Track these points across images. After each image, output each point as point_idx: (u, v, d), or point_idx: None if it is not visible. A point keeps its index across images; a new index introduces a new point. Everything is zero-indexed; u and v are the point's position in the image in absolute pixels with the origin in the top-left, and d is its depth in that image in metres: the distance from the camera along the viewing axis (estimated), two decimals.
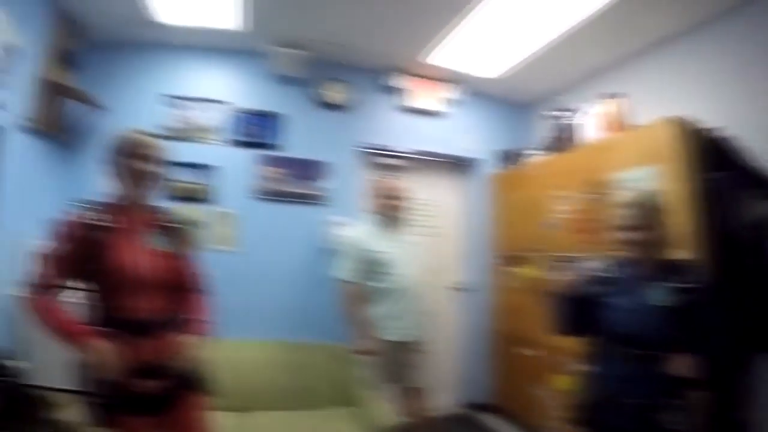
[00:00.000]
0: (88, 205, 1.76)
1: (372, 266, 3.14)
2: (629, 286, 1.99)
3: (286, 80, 3.90)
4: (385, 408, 2.87)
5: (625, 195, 2.58)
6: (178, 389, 1.79)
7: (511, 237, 4.24)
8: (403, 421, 2.81)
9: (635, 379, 1.87)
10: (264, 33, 3.63)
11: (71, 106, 3.41)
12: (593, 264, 2.22)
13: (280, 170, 3.80)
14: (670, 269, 1.93)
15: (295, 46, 3.74)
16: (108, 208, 1.78)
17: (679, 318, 1.82)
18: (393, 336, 3.11)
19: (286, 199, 3.78)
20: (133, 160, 1.76)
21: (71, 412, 2.37)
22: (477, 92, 4.52)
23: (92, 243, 1.67)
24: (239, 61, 3.85)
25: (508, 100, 4.75)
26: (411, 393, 3.28)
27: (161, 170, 1.85)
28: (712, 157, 2.73)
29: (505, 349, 4.22)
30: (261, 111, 3.83)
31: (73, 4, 3.27)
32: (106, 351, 1.58)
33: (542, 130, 4.34)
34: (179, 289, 1.87)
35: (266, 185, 3.75)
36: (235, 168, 3.68)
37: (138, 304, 1.71)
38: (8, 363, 2.38)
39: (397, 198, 3.29)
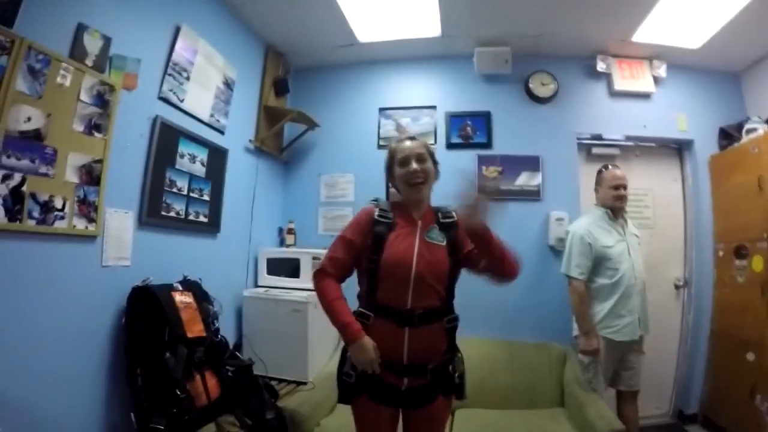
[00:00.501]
0: (377, 204, 1.97)
1: (600, 261, 3.09)
2: None
3: (492, 78, 3.96)
4: (604, 411, 2.80)
5: None
6: (431, 390, 1.87)
7: (735, 225, 3.81)
8: (621, 426, 2.69)
9: None
10: (464, 35, 3.73)
11: (289, 127, 3.98)
12: None
13: (497, 168, 3.88)
14: None
15: (496, 43, 3.78)
16: (393, 207, 1.97)
17: None
18: (617, 335, 3.05)
19: (505, 197, 3.82)
20: (398, 167, 1.95)
21: (293, 399, 2.72)
22: (684, 66, 4.17)
23: (376, 236, 1.86)
24: (444, 66, 4.00)
25: (717, 70, 4.28)
26: (627, 396, 3.23)
27: (430, 166, 1.98)
28: None
29: (724, 352, 3.83)
30: (471, 112, 3.94)
31: (279, 38, 3.75)
32: (368, 348, 1.75)
33: (760, 101, 3.94)
34: (451, 283, 1.93)
35: (484, 184, 3.85)
36: (453, 169, 3.70)
37: (407, 296, 1.80)
38: (237, 354, 2.75)
39: (622, 188, 3.20)
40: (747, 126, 3.83)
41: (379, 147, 3.95)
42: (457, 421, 2.94)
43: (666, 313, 4.19)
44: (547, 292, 3.51)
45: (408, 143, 1.99)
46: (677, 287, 4.25)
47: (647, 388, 3.83)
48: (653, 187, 4.29)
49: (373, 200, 2.01)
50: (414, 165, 1.92)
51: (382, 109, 3.96)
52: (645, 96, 4.14)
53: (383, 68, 4.01)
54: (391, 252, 1.83)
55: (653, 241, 4.15)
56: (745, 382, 3.45)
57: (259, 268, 3.58)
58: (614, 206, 3.19)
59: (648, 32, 3.68)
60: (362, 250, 1.88)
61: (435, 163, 2.03)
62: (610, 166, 3.33)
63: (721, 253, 3.99)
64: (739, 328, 3.65)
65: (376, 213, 1.92)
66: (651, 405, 4.07)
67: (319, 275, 1.90)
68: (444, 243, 1.92)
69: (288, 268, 3.48)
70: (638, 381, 3.23)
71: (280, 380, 3.10)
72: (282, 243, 3.85)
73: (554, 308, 3.32)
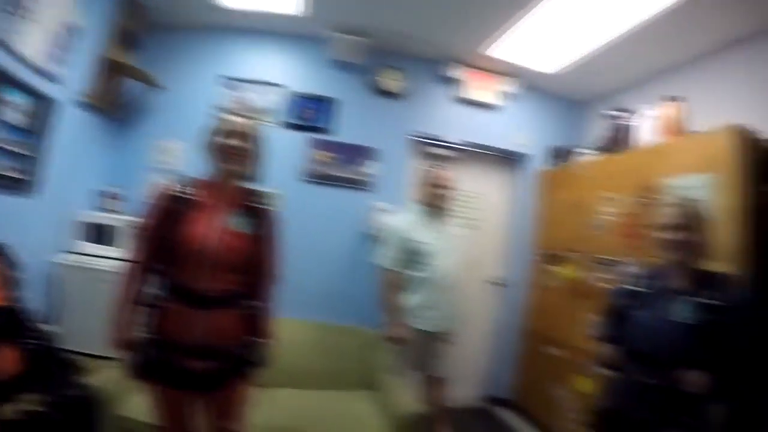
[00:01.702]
0: (177, 179, 1.92)
1: (412, 255, 3.24)
2: (656, 299, 1.99)
3: (343, 66, 4.02)
4: (407, 395, 3.01)
5: (671, 198, 2.62)
6: (226, 372, 1.88)
7: (553, 235, 4.28)
8: (424, 409, 2.94)
9: (648, 394, 1.87)
10: (324, 18, 3.73)
11: (129, 84, 3.71)
12: (633, 270, 2.25)
13: (330, 154, 3.95)
14: (703, 282, 1.90)
15: (354, 32, 3.83)
16: (196, 183, 1.91)
17: (700, 336, 1.79)
18: (425, 326, 3.24)
19: (333, 183, 3.94)
20: (226, 138, 1.88)
21: (100, 377, 2.56)
22: (534, 87, 4.55)
23: (174, 213, 1.81)
24: (298, 46, 4.01)
25: (564, 97, 4.75)
26: (434, 382, 3.43)
27: (252, 149, 1.94)
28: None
29: (532, 346, 4.31)
30: (316, 95, 3.98)
31: None
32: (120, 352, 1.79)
33: (597, 130, 4.32)
34: (250, 272, 1.93)
35: (315, 168, 3.92)
36: (286, 150, 3.83)
37: (201, 278, 1.78)
38: (42, 326, 2.48)
39: (443, 188, 3.36)
40: (579, 150, 4.25)
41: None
42: (266, 401, 2.87)
43: (480, 307, 4.59)
44: (362, 278, 3.66)
45: (240, 119, 2.00)
46: (493, 285, 4.65)
47: (461, 374, 4.23)
48: (482, 192, 4.64)
49: (178, 176, 1.96)
50: (237, 141, 1.88)
51: (227, 79, 3.89)
52: (490, 107, 4.44)
53: (239, 38, 3.96)
54: (188, 233, 1.79)
55: (476, 241, 4.48)
56: (549, 372, 3.95)
57: (75, 233, 3.30)
58: (433, 204, 3.36)
59: (505, 49, 3.92)
60: (163, 231, 1.82)
61: (259, 149, 2.00)
62: (436, 166, 3.52)
63: (537, 258, 4.45)
64: (547, 326, 4.12)
65: (175, 188, 1.87)
66: (464, 389, 4.44)
67: (125, 268, 1.87)
68: (247, 230, 1.91)
69: (105, 235, 3.29)
70: (445, 368, 3.47)
71: (91, 355, 2.87)
72: (103, 208, 3.56)
73: (368, 294, 3.45)
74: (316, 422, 2.82)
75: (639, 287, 2.09)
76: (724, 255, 2.48)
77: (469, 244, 4.34)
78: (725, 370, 1.76)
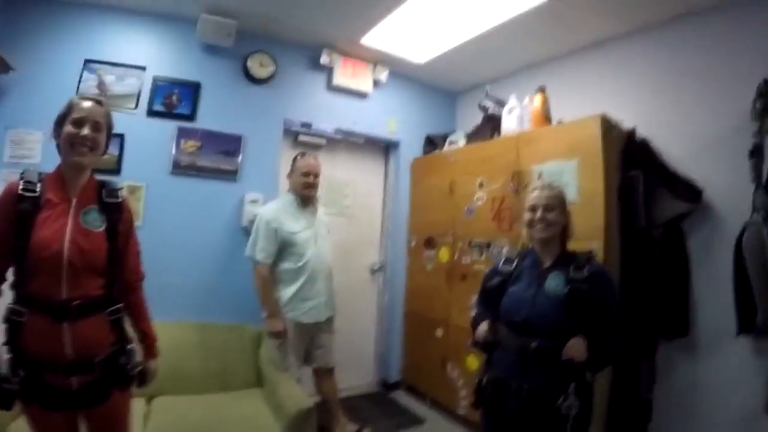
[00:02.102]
0: (22, 175, 1.70)
1: (284, 246, 3.23)
2: (528, 275, 2.13)
3: (210, 49, 3.81)
4: (294, 391, 2.97)
5: (539, 182, 2.81)
6: (104, 384, 1.74)
7: (428, 220, 4.43)
8: (314, 401, 2.93)
9: (529, 364, 1.96)
10: None
11: None
12: (504, 251, 2.44)
13: (197, 143, 3.72)
14: (568, 259, 2.07)
15: (223, 13, 3.63)
16: (44, 179, 1.72)
17: (570, 306, 1.94)
18: (304, 318, 3.25)
19: (200, 174, 3.72)
20: (70, 125, 1.70)
21: None
22: (405, 76, 4.70)
23: (20, 216, 1.62)
24: (163, 26, 3.71)
25: (436, 86, 4.97)
26: (322, 373, 3.47)
27: (102, 138, 1.78)
28: (629, 156, 3.07)
29: (416, 329, 4.47)
30: (181, 80, 3.72)
31: None
32: None
33: (467, 119, 4.63)
34: (111, 272, 1.80)
35: (180, 158, 3.67)
36: (149, 139, 3.57)
37: (60, 286, 1.63)
38: None
39: (314, 176, 3.36)
40: (450, 137, 4.47)
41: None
42: (153, 411, 2.82)
43: (363, 294, 4.71)
44: (240, 273, 3.54)
45: (89, 104, 1.75)
46: (373, 271, 4.78)
47: (352, 362, 4.33)
48: (356, 179, 4.73)
49: (22, 172, 1.71)
50: (86, 130, 1.70)
51: (87, 61, 3.49)
52: (362, 95, 4.50)
53: (101, 15, 3.54)
54: (39, 237, 1.61)
55: (351, 229, 4.58)
56: (436, 354, 4.10)
57: None
58: (303, 194, 3.35)
59: (377, 38, 3.97)
60: (10, 236, 1.62)
61: (109, 137, 1.84)
62: (305, 155, 3.47)
63: (413, 243, 4.63)
64: (428, 309, 4.29)
65: (20, 187, 1.65)
66: (357, 377, 4.54)
67: None
68: (102, 228, 1.76)
69: None
70: (331, 358, 3.49)
71: None
72: None
73: (248, 289, 3.36)
74: (208, 429, 2.71)
75: (510, 267, 2.22)
76: (588, 233, 2.72)
77: (347, 232, 4.46)
78: (597, 337, 1.92)
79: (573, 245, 2.18)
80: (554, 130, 3.35)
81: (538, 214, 2.09)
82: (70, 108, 1.74)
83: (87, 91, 3.40)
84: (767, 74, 2.60)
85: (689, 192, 2.95)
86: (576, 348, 1.88)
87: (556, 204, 2.10)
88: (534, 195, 2.16)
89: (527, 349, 1.96)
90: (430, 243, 4.37)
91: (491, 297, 2.21)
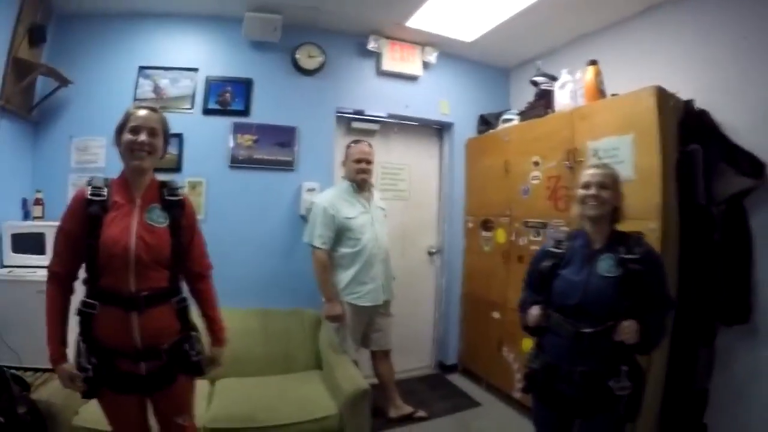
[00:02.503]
0: (90, 181, 1.87)
1: (342, 232, 3.33)
2: (579, 257, 2.12)
3: (258, 45, 3.94)
4: (351, 372, 3.06)
5: (593, 160, 2.82)
6: (170, 369, 1.89)
7: (484, 201, 4.40)
8: (371, 382, 3.02)
9: (582, 347, 1.96)
10: None
11: (41, 82, 3.52)
12: (557, 232, 2.38)
13: (252, 137, 3.88)
14: (619, 240, 2.05)
15: (268, 9, 3.74)
16: (110, 183, 1.89)
17: (624, 288, 1.94)
18: (361, 301, 3.35)
19: (258, 166, 3.89)
20: (128, 133, 1.86)
21: (48, 390, 2.53)
22: (455, 56, 4.66)
23: (90, 218, 1.78)
24: (211, 27, 3.89)
25: (487, 64, 4.89)
26: (379, 356, 3.58)
27: (159, 142, 1.92)
28: (687, 130, 2.89)
29: (473, 311, 4.49)
30: (233, 78, 3.89)
31: None
32: (62, 376, 1.79)
33: (520, 96, 4.53)
34: (176, 265, 1.94)
35: (238, 152, 3.86)
36: (206, 136, 3.77)
37: (129, 280, 1.77)
38: None
39: (367, 162, 3.44)
40: (504, 116, 4.36)
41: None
42: (216, 391, 3.02)
43: (421, 277, 4.76)
44: (299, 260, 3.68)
45: (145, 112, 1.91)
46: (431, 254, 4.81)
47: (410, 345, 4.44)
48: (411, 163, 4.75)
49: (89, 179, 1.90)
50: (143, 137, 1.85)
51: (141, 68, 3.74)
52: (412, 78, 4.50)
53: (150, 23, 3.78)
54: (108, 235, 1.76)
55: (409, 212, 4.62)
56: (493, 336, 4.09)
57: (3, 245, 3.18)
58: (358, 180, 3.44)
59: (423, 20, 3.94)
60: (82, 237, 1.79)
61: (166, 140, 2.01)
62: (358, 142, 3.56)
63: (470, 225, 4.62)
64: (485, 291, 4.27)
65: (88, 192, 1.82)
66: (415, 359, 4.65)
67: (48, 280, 1.84)
68: (166, 224, 1.91)
69: (34, 243, 3.17)
70: (388, 341, 3.60)
71: (35, 370, 2.84)
72: (28, 216, 3.44)
73: (307, 275, 3.47)
74: (268, 408, 2.84)
75: (561, 248, 2.21)
76: (645, 212, 2.67)
77: (404, 216, 4.51)
78: (644, 315, 1.93)
79: (629, 225, 2.14)
80: (608, 104, 3.22)
81: (592, 191, 2.09)
82: (127, 117, 1.90)
83: (144, 96, 3.66)
84: None
85: (752, 166, 2.76)
86: (628, 330, 1.89)
87: (610, 183, 2.09)
88: (588, 173, 2.16)
89: (581, 335, 1.96)
90: (486, 224, 4.34)
91: (542, 280, 2.21)
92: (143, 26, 3.77)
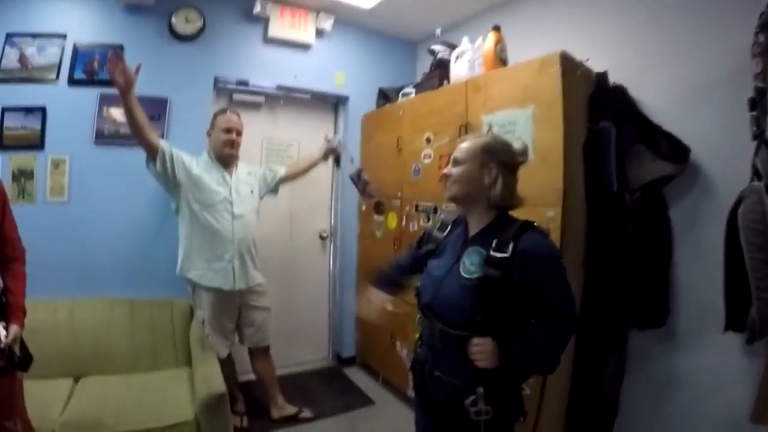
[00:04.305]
0: None
1: (188, 188, 3.21)
2: (452, 247, 1.89)
3: (132, 9, 3.77)
4: (210, 372, 2.92)
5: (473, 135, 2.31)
6: None
7: (377, 182, 4.01)
8: (219, 390, 2.81)
9: (442, 354, 1.79)
10: None
11: None
12: (451, 213, 2.07)
13: (119, 109, 3.58)
14: (498, 230, 1.75)
15: None
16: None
17: (483, 295, 1.66)
18: (204, 280, 3.24)
19: (126, 142, 3.62)
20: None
21: None
22: (354, 24, 4.64)
23: None
24: None
25: (391, 36, 4.90)
26: (256, 353, 3.59)
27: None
28: (599, 105, 2.73)
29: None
30: (103, 44, 3.70)
31: None
32: None
33: (421, 68, 4.56)
34: None
35: (103, 127, 3.69)
36: (71, 109, 3.60)
37: None
38: None
39: (236, 133, 3.35)
40: (404, 90, 4.33)
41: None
42: (77, 390, 2.92)
43: (313, 263, 4.79)
44: (169, 246, 3.53)
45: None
46: (322, 238, 4.83)
47: (305, 336, 4.56)
48: (302, 138, 4.73)
49: None
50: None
51: (9, 35, 3.50)
52: (304, 47, 4.50)
53: None
54: None
55: (297, 192, 4.52)
56: (386, 330, 4.04)
57: None
58: (224, 153, 3.33)
59: None
60: None
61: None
62: (226, 110, 3.46)
63: (363, 208, 4.65)
64: None
65: None
66: (311, 351, 4.72)
67: None
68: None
69: None
70: (265, 336, 3.58)
71: None
72: None
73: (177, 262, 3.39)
74: (120, 412, 2.71)
75: (442, 234, 2.00)
76: (544, 198, 2.56)
77: (293, 196, 4.46)
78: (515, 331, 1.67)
79: (523, 213, 1.85)
80: (506, 73, 3.10)
81: (446, 169, 1.91)
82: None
83: (9, 67, 3.48)
84: None
85: (673, 150, 2.59)
86: (479, 350, 1.63)
87: (468, 157, 1.81)
88: (457, 147, 1.92)
89: (440, 332, 1.75)
90: (378, 207, 4.35)
91: (416, 263, 2.09)
92: None
